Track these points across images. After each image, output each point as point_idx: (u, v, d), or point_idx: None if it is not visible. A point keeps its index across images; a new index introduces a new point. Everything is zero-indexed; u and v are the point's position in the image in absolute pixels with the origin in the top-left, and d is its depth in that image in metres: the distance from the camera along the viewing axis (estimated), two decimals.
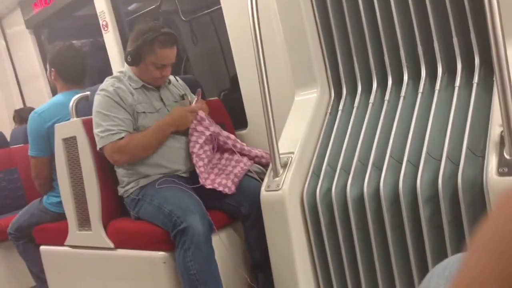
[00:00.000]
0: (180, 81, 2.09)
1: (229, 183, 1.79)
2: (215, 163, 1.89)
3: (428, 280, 0.55)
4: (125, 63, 1.92)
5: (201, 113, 1.86)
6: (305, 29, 1.69)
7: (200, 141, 1.82)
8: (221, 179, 1.80)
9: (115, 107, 1.80)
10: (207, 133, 1.84)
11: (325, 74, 1.72)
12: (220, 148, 1.93)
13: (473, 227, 1.27)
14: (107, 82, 1.88)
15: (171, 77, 2.04)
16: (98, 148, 1.82)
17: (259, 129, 2.12)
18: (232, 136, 1.94)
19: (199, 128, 1.84)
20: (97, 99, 1.84)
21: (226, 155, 1.92)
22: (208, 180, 1.78)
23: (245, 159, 1.90)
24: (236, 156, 1.91)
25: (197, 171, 1.79)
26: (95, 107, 1.84)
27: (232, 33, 2.35)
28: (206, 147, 1.85)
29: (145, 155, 1.82)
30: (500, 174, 1.15)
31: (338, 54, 1.68)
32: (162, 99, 1.92)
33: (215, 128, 1.89)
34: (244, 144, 1.97)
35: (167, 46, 1.82)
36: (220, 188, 1.76)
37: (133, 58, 1.84)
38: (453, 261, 0.55)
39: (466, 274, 0.29)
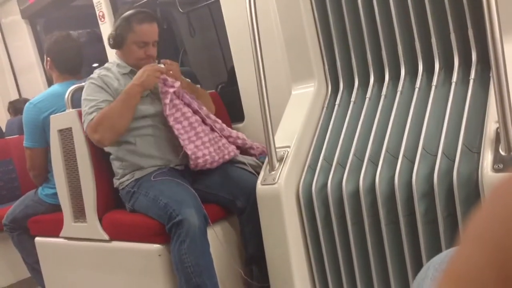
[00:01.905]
0: None
1: (216, 158, 1.80)
2: (199, 131, 1.84)
3: (425, 272, 0.56)
4: (115, 52, 1.93)
5: (164, 76, 1.79)
6: (303, 23, 1.69)
7: (167, 101, 1.77)
8: (208, 151, 1.79)
9: (98, 91, 1.82)
10: (171, 90, 1.78)
11: (322, 68, 1.72)
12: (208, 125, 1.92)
13: (467, 221, 1.27)
14: (94, 73, 1.90)
15: (161, 66, 2.03)
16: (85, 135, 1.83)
17: (256, 123, 2.12)
18: (212, 116, 1.91)
19: (164, 89, 1.79)
20: (84, 88, 1.87)
21: (216, 134, 1.91)
22: (192, 145, 1.77)
23: (230, 148, 1.89)
24: (224, 140, 1.90)
25: (176, 133, 1.77)
26: (82, 96, 1.86)
27: (230, 26, 2.34)
28: (184, 110, 1.81)
29: (123, 123, 1.76)
30: (495, 170, 1.16)
31: (335, 48, 1.67)
32: None
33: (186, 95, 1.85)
34: (219, 121, 1.93)
35: (145, 21, 1.82)
36: (191, 162, 1.74)
37: (115, 41, 1.86)
38: (450, 253, 0.56)
39: (459, 264, 0.29)
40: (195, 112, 1.88)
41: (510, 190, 0.28)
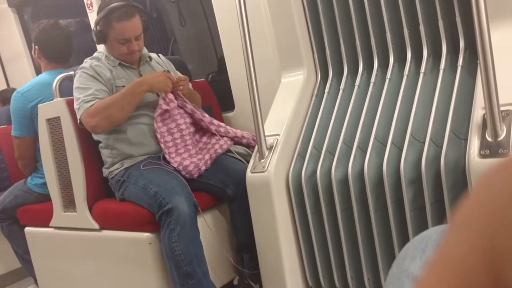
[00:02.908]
0: (162, 57, 2.07)
1: (206, 157, 1.80)
2: (188, 144, 1.85)
3: (405, 252, 0.56)
4: None
5: (171, 95, 1.81)
6: (292, 11, 1.68)
7: (159, 111, 1.79)
8: (197, 159, 1.80)
9: (91, 80, 1.81)
10: (165, 107, 1.80)
11: (311, 56, 1.72)
12: (200, 130, 1.93)
13: (455, 209, 1.28)
14: (86, 62, 1.89)
15: (154, 55, 2.02)
16: (78, 122, 1.81)
17: (246, 111, 2.12)
18: (207, 119, 1.91)
19: (164, 100, 1.81)
20: (76, 77, 1.85)
21: (205, 138, 1.92)
22: (178, 157, 1.78)
23: (221, 141, 1.89)
24: (214, 140, 1.90)
25: (162, 146, 1.79)
26: (74, 85, 1.84)
27: (220, 15, 2.32)
28: (180, 121, 1.83)
29: (122, 115, 1.76)
30: (482, 156, 1.17)
31: (324, 36, 1.67)
32: (142, 76, 1.90)
33: (190, 108, 1.87)
34: (222, 124, 1.95)
35: (124, 19, 1.79)
36: (183, 172, 1.75)
37: (97, 38, 1.86)
38: (430, 233, 0.56)
39: (445, 251, 0.29)
40: (195, 122, 1.88)
41: (497, 179, 0.29)
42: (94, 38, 1.87)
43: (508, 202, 0.27)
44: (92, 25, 3.11)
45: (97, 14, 1.84)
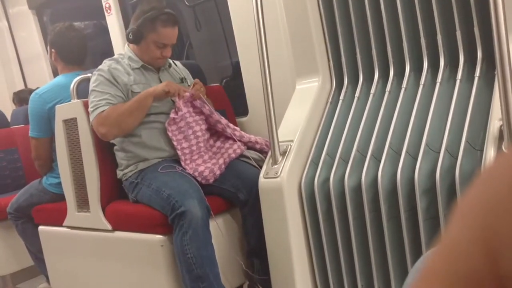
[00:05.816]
0: (179, 65, 2.09)
1: (220, 162, 1.82)
2: (201, 150, 1.86)
3: (421, 262, 0.56)
4: (126, 44, 1.93)
5: (179, 104, 1.82)
6: (309, 17, 1.69)
7: (169, 128, 1.81)
8: (211, 164, 1.81)
9: (107, 84, 1.82)
10: (172, 115, 1.81)
11: (327, 63, 1.72)
12: (214, 134, 1.94)
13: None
14: (104, 64, 1.90)
15: (171, 62, 2.04)
16: (91, 125, 1.84)
17: (260, 117, 2.12)
18: (223, 120, 1.92)
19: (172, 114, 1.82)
20: (92, 79, 1.87)
21: (218, 142, 1.93)
22: (193, 164, 1.80)
23: (235, 146, 1.90)
24: (228, 144, 1.91)
25: (179, 153, 1.81)
26: (90, 87, 1.86)
27: (236, 20, 2.34)
28: (196, 128, 1.84)
29: (131, 124, 1.79)
30: None
31: (340, 44, 1.67)
32: (161, 81, 1.92)
33: (207, 110, 1.88)
34: (237, 128, 1.96)
35: (169, 25, 1.83)
36: (199, 179, 1.76)
37: (135, 36, 1.86)
38: None
39: (447, 239, 0.30)
40: (210, 126, 1.90)
41: (499, 168, 0.29)
42: (130, 37, 1.87)
43: (509, 190, 0.27)
44: (110, 28, 3.17)
45: (138, 15, 1.86)
